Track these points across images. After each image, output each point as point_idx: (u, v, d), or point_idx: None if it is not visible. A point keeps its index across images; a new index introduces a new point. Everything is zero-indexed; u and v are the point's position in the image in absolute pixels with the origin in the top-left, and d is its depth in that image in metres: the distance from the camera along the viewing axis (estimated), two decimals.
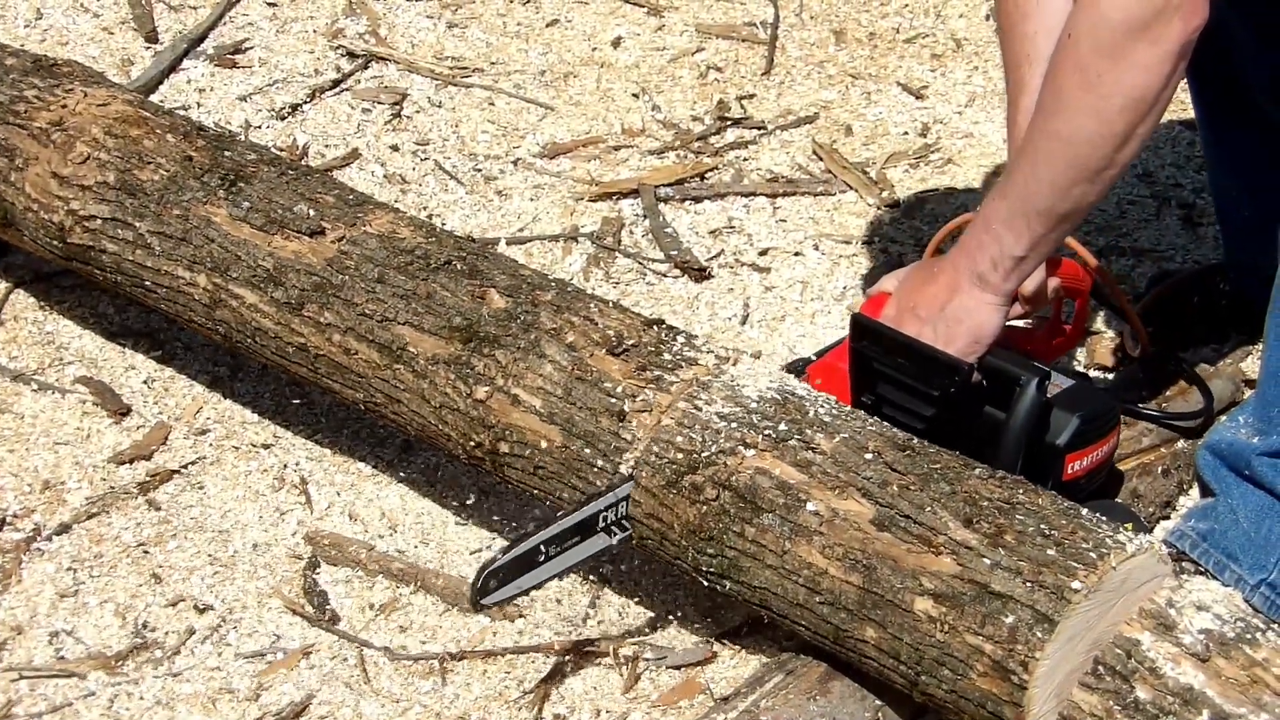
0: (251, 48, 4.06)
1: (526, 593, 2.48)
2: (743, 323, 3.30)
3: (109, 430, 3.07)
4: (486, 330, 2.55)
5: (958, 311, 2.39)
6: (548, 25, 4.11)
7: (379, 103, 3.87)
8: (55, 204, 2.92)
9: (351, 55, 4.02)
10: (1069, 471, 2.46)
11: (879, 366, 2.46)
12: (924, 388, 2.43)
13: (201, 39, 4.06)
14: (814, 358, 2.65)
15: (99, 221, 2.88)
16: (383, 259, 2.67)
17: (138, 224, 2.84)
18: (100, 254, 2.89)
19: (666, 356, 2.48)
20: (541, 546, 2.42)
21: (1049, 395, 2.43)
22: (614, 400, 2.44)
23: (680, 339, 2.51)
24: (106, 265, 2.90)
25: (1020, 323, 2.60)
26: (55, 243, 2.95)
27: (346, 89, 3.92)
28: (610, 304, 2.59)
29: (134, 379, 3.18)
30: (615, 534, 2.47)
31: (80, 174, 2.90)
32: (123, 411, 3.10)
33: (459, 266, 2.64)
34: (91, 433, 3.06)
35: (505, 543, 2.46)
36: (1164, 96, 2.24)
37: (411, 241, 2.69)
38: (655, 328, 2.53)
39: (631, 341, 2.50)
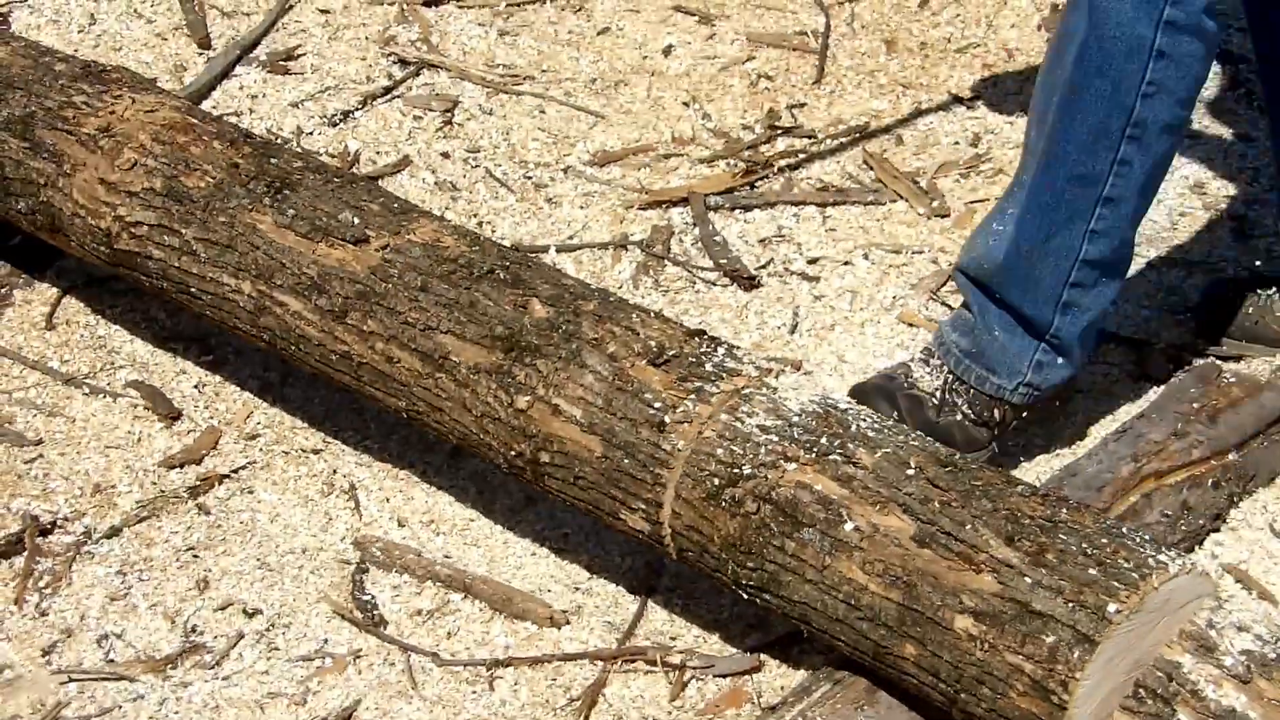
0: (304, 54, 4.07)
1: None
2: (791, 332, 3.29)
3: (160, 434, 3.08)
4: (528, 340, 2.55)
5: None
6: (599, 33, 4.10)
7: (430, 110, 3.88)
8: (103, 210, 2.94)
9: (403, 62, 4.03)
10: None
11: None
12: None
13: (254, 45, 4.08)
14: None
15: (145, 228, 2.89)
16: (426, 267, 2.67)
17: (184, 230, 2.85)
18: (146, 260, 2.91)
19: (708, 367, 2.47)
20: None
21: None
22: (655, 411, 2.44)
23: (722, 350, 2.51)
24: (153, 271, 2.92)
25: None
26: (102, 248, 2.97)
27: (398, 96, 3.93)
28: (652, 314, 2.59)
29: (185, 383, 3.19)
30: None
31: (127, 180, 2.92)
32: (173, 416, 3.11)
33: (502, 275, 2.64)
34: (142, 436, 3.08)
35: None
36: None
37: (455, 250, 2.69)
38: (697, 338, 2.53)
39: (673, 352, 2.49)
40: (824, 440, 2.35)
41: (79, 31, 4.10)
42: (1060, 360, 2.82)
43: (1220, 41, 2.68)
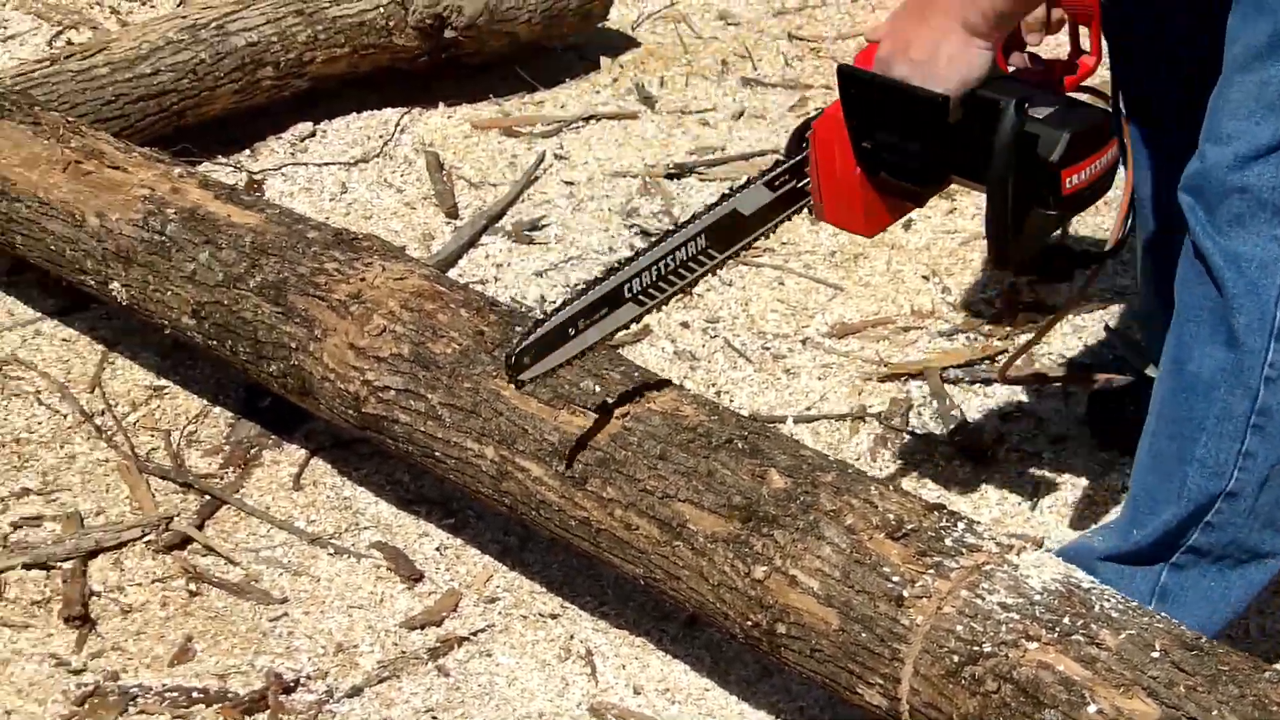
0: (548, 224, 4.15)
1: (560, 367, 2.63)
2: (1032, 508, 3.25)
3: (401, 595, 3.12)
4: (766, 510, 2.55)
5: (947, 54, 2.46)
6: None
7: None
8: (351, 374, 3.00)
9: (645, 233, 4.09)
10: (1067, 186, 2.50)
11: (868, 112, 2.55)
12: (910, 124, 2.51)
13: (500, 215, 4.16)
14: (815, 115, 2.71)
15: (392, 392, 2.95)
16: (665, 436, 2.69)
17: (429, 395, 2.91)
18: (393, 424, 2.97)
19: (948, 542, 2.45)
20: (570, 320, 2.55)
21: (1039, 118, 2.49)
22: (893, 585, 2.42)
23: (962, 525, 2.48)
24: (399, 435, 2.97)
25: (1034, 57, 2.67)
26: (351, 412, 3.03)
27: None
28: (891, 487, 2.57)
29: (427, 545, 3.23)
30: (644, 302, 2.61)
31: (376, 346, 2.98)
32: (415, 577, 3.15)
33: (740, 445, 2.65)
34: (384, 597, 3.12)
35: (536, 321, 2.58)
36: None
37: (694, 419, 2.71)
38: (936, 512, 2.51)
39: (912, 526, 2.47)
40: (1066, 620, 2.31)
41: (330, 200, 4.23)
42: None
43: None
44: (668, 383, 2.83)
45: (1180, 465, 2.59)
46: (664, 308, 2.71)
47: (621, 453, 2.71)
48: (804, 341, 3.72)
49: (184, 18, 4.36)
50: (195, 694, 2.90)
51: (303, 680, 2.93)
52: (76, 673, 2.94)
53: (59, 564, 3.15)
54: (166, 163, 3.51)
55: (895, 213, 2.72)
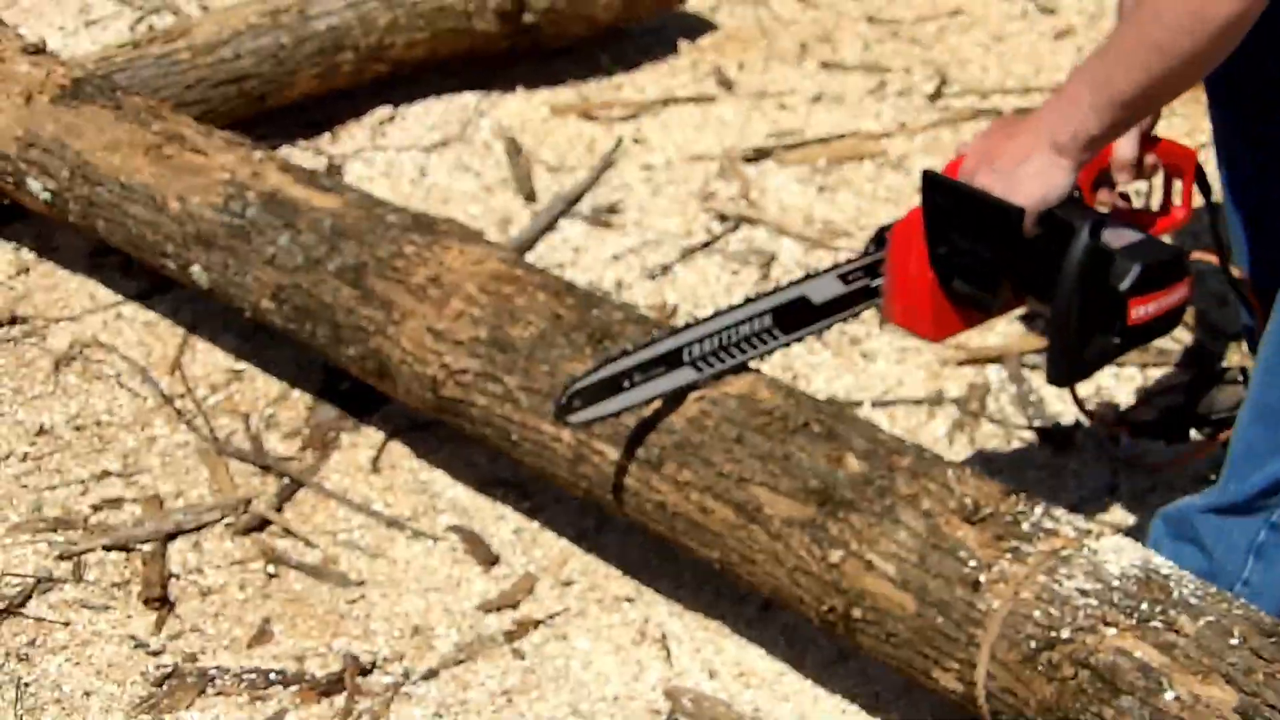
0: (626, 209, 4.14)
1: (607, 418, 2.67)
2: (1110, 493, 3.23)
3: (478, 578, 3.13)
4: (842, 494, 2.55)
5: (1031, 170, 2.51)
6: (917, 190, 4.10)
7: (748, 264, 3.91)
8: (429, 357, 3.01)
9: (722, 217, 4.08)
10: (1133, 316, 2.55)
11: (948, 218, 2.61)
12: (986, 234, 2.56)
13: (578, 200, 4.17)
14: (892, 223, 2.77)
15: (470, 375, 2.96)
16: (741, 419, 2.69)
17: (507, 379, 2.91)
18: (470, 407, 2.98)
19: (1025, 527, 2.44)
20: (626, 372, 2.59)
21: (1116, 248, 2.54)
22: (969, 570, 2.41)
23: (1039, 509, 2.47)
24: (476, 418, 2.98)
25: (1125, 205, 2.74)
26: (428, 395, 3.04)
27: (717, 250, 3.98)
28: (968, 471, 2.56)
29: (503, 529, 3.24)
30: (702, 369, 2.65)
31: (454, 329, 2.99)
32: (492, 560, 3.16)
33: (816, 429, 2.65)
34: (461, 580, 3.13)
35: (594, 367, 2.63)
36: (1253, 20, 2.35)
37: (770, 403, 2.70)
38: (1014, 496, 2.50)
39: (989, 510, 2.46)
40: (1145, 606, 2.29)
41: (409, 184, 4.24)
42: None
43: None
44: (744, 367, 2.82)
45: None
46: (724, 360, 2.73)
47: (698, 436, 2.71)
48: (881, 325, 3.70)
49: (265, 2, 4.38)
50: (273, 676, 2.92)
51: (379, 662, 2.95)
52: (155, 654, 2.97)
53: (139, 546, 3.18)
54: (247, 146, 3.53)
55: (964, 322, 2.76)
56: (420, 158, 4.34)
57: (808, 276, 2.76)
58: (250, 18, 4.30)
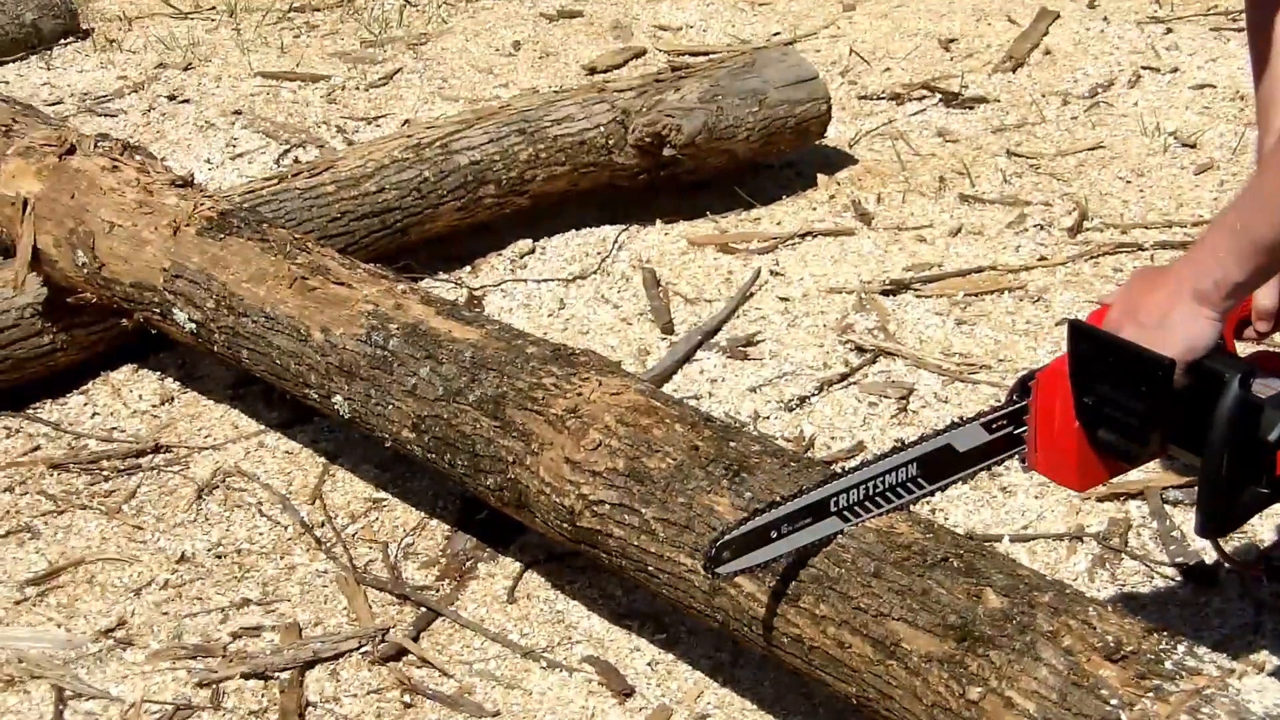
0: (763, 340, 4.16)
1: (757, 568, 2.69)
2: (1254, 632, 3.17)
3: (613, 710, 3.12)
4: (981, 630, 2.52)
5: (1176, 321, 2.49)
6: (1056, 324, 4.09)
7: (886, 397, 3.90)
8: (567, 488, 3.02)
9: (860, 350, 4.08)
10: None
11: (1095, 369, 2.57)
12: (1135, 385, 2.52)
13: (715, 331, 4.19)
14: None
15: (607, 506, 2.97)
16: (879, 553, 2.67)
17: (644, 510, 2.92)
18: (607, 538, 2.98)
19: (1167, 665, 2.39)
20: (774, 523, 2.59)
21: (1264, 397, 2.50)
22: (1111, 708, 2.36)
23: (1182, 647, 2.43)
24: (612, 549, 2.98)
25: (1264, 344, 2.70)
26: (565, 525, 3.05)
27: (854, 383, 3.97)
28: (1109, 608, 2.53)
29: (638, 660, 3.23)
30: (849, 519, 2.64)
31: (591, 460, 3.00)
32: (627, 693, 3.15)
33: (955, 564, 2.62)
34: (596, 712, 3.12)
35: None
36: None
37: (909, 537, 2.68)
38: (1156, 635, 2.46)
39: (1130, 648, 2.42)
40: None
41: (548, 316, 4.28)
42: None
43: None
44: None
45: None
46: (871, 509, 2.72)
47: (835, 570, 2.69)
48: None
49: (409, 136, 4.46)
50: None
51: None
52: None
53: (277, 674, 3.21)
54: (390, 279, 3.58)
55: (1109, 471, 2.73)
56: (560, 289, 4.38)
57: (952, 425, 2.75)
58: (394, 151, 4.38)
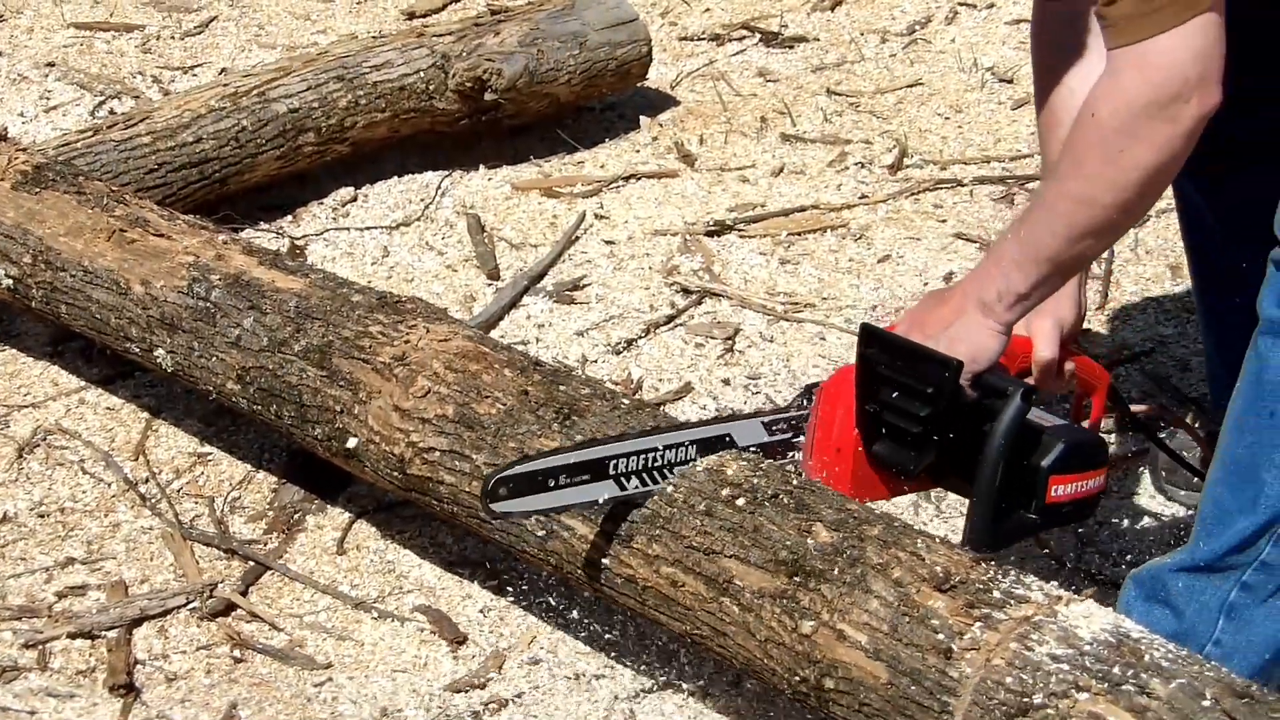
0: (589, 284, 4.15)
1: (532, 515, 2.71)
2: (1077, 559, 3.23)
3: (446, 658, 3.12)
4: (812, 565, 2.54)
5: (960, 331, 2.57)
6: (879, 261, 4.13)
7: (712, 338, 3.92)
8: (396, 436, 3.00)
9: (686, 291, 4.09)
10: (1052, 495, 2.60)
11: (881, 372, 2.62)
12: (918, 386, 2.57)
13: (541, 276, 4.17)
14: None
15: (438, 454, 2.95)
16: (710, 492, 2.68)
17: (475, 456, 2.90)
18: (438, 485, 2.97)
19: (996, 594, 2.43)
20: (552, 472, 2.59)
21: (1043, 424, 2.61)
22: (941, 638, 2.40)
23: (1010, 576, 2.47)
24: (444, 496, 2.97)
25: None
26: (395, 474, 3.03)
27: (680, 324, 3.98)
28: (937, 539, 2.56)
29: (470, 608, 3.23)
30: (623, 485, 2.64)
31: (421, 407, 2.99)
32: (459, 640, 3.15)
33: (785, 500, 2.64)
34: (429, 660, 3.11)
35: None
36: (1174, 169, 2.41)
37: (739, 475, 2.70)
38: (984, 564, 2.49)
39: (959, 578, 2.46)
40: (1117, 670, 2.29)
41: (372, 264, 4.24)
42: None
43: None
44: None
45: (1256, 473, 2.57)
46: (645, 483, 2.71)
47: (668, 509, 2.70)
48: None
49: (225, 86, 4.39)
50: None
51: None
52: None
53: (104, 633, 3.16)
54: (210, 230, 3.53)
55: (887, 488, 2.77)
56: (383, 237, 4.34)
57: (734, 416, 2.82)
58: (210, 101, 4.31)
